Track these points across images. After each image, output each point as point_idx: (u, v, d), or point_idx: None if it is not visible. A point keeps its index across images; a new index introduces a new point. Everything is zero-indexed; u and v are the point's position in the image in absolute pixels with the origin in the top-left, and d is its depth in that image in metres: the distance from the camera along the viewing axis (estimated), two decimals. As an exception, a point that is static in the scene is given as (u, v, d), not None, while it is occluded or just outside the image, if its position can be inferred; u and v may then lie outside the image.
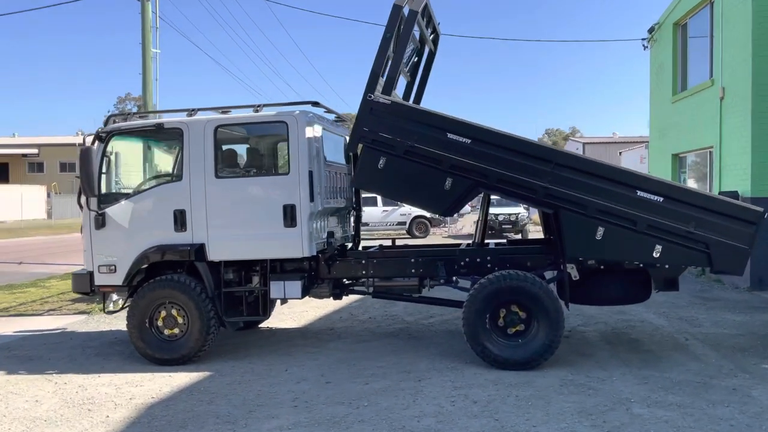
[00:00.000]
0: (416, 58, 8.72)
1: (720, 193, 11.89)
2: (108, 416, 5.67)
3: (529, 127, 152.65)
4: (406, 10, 7.06)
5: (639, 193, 6.44)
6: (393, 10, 6.93)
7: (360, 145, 6.93)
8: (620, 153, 27.11)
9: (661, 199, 6.42)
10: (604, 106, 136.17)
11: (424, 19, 7.97)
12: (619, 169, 6.84)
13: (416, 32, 8.01)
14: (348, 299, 9.77)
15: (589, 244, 6.55)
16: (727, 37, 12.51)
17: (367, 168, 6.94)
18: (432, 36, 8.70)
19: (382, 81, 6.97)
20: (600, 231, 6.48)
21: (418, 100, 9.00)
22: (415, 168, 6.75)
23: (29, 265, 18.06)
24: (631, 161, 23.80)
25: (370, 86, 6.81)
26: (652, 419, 5.25)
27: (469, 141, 6.63)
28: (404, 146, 6.71)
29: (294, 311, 10.38)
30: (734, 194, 10.36)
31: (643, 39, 17.83)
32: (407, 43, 7.09)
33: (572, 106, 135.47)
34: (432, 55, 8.92)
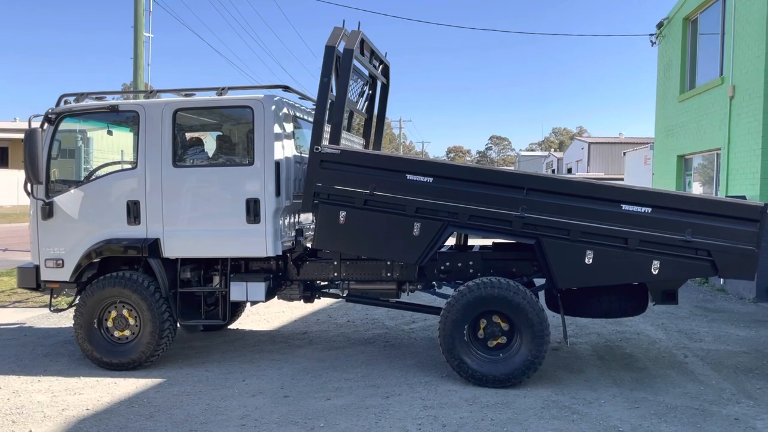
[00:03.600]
0: (370, 92, 8.15)
1: (726, 197, 11.20)
2: (31, 431, 5.07)
3: (536, 126, 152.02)
4: (341, 50, 6.42)
5: (624, 207, 5.85)
6: (326, 52, 6.22)
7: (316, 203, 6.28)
8: (624, 153, 26.33)
9: (650, 209, 5.83)
10: (613, 107, 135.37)
11: (366, 54, 7.29)
12: (599, 185, 6.23)
13: (363, 69, 7.44)
14: (328, 300, 9.16)
15: (580, 270, 5.96)
16: (739, 32, 11.81)
17: (328, 226, 6.27)
18: (381, 68, 8.10)
19: (328, 129, 6.34)
20: (589, 255, 5.90)
21: (378, 136, 8.46)
22: (379, 218, 6.15)
23: (14, 252, 17.40)
24: (635, 162, 23.04)
25: (316, 137, 6.18)
26: (642, 454, 4.62)
27: (431, 179, 6.06)
28: (363, 196, 6.12)
29: (270, 311, 9.78)
30: (741, 199, 9.66)
31: (651, 35, 17.11)
32: (347, 85, 6.42)
33: (581, 106, 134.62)
34: (385, 88, 8.36)
